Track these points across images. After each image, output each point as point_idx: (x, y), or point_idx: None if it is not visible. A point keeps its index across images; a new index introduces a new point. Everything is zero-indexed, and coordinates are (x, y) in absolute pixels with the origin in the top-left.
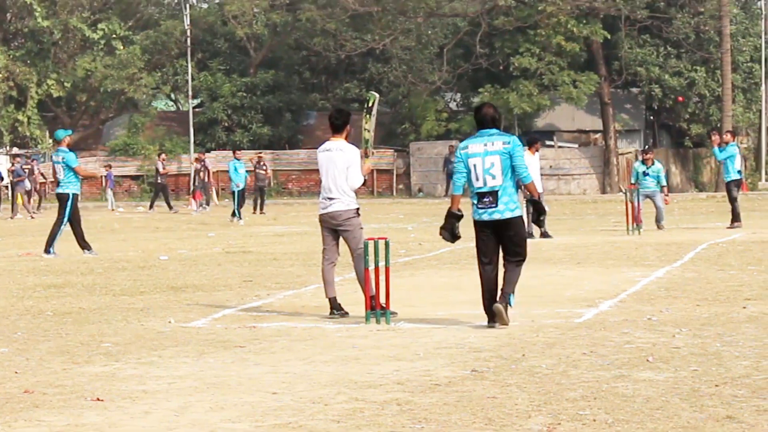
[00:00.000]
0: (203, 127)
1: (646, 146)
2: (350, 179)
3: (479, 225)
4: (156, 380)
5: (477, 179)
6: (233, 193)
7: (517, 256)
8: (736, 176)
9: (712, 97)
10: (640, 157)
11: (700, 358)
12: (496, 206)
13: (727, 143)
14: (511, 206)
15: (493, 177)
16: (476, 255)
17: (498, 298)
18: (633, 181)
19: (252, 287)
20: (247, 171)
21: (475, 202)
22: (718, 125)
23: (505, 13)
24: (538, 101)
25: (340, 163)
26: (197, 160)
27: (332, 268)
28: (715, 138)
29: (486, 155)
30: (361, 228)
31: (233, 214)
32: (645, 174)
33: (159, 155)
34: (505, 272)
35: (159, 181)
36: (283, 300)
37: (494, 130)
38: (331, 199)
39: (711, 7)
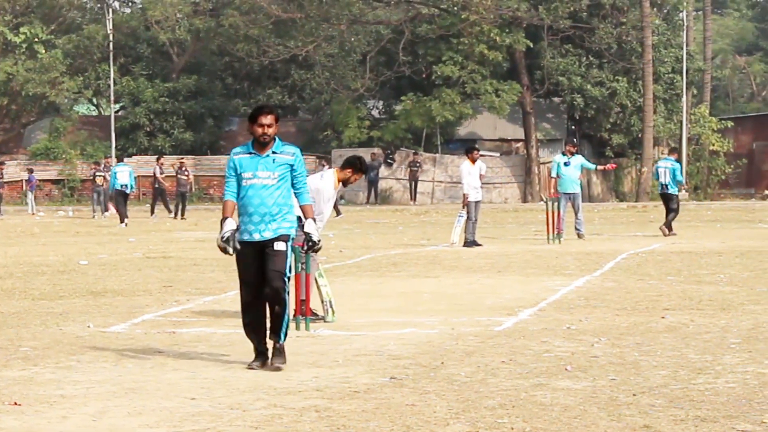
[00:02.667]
0: (125, 132)
1: (573, 139)
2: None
3: (244, 247)
4: (74, 385)
5: (248, 194)
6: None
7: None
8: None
9: (633, 108)
10: (562, 150)
11: (618, 367)
12: (276, 225)
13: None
14: (292, 222)
15: (271, 195)
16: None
17: (270, 337)
18: (554, 175)
19: (172, 293)
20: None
21: (246, 221)
22: (639, 135)
23: (428, 21)
24: (461, 110)
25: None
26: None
27: None
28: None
29: (263, 170)
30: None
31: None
32: (566, 164)
33: (158, 159)
34: (267, 287)
35: (157, 185)
36: (203, 305)
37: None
38: None
39: (633, 17)
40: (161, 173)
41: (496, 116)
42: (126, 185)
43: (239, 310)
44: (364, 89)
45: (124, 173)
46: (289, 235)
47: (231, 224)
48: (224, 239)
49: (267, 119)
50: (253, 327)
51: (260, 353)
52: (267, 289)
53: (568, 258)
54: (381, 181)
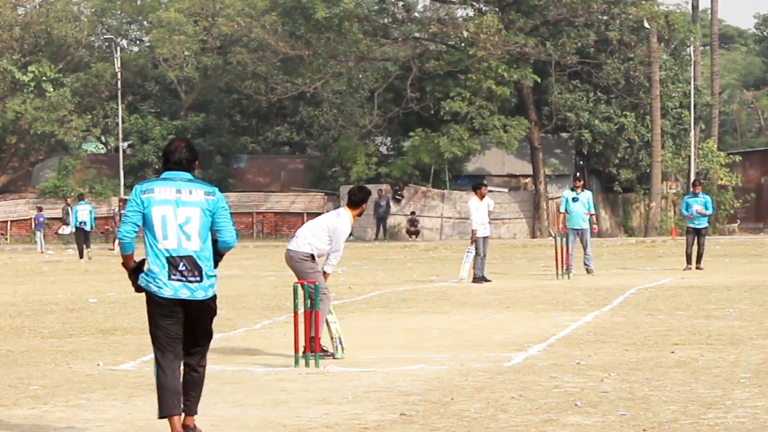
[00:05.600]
0: (133, 170)
1: (577, 173)
2: (321, 240)
3: (161, 304)
4: (84, 423)
5: (165, 236)
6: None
7: (201, 353)
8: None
9: (641, 143)
10: (570, 185)
11: (628, 402)
12: (200, 280)
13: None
14: (214, 280)
15: (189, 238)
16: (152, 344)
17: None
18: (562, 210)
19: None
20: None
21: (161, 269)
22: (647, 170)
23: (435, 57)
24: (469, 145)
25: (326, 222)
26: None
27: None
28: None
29: (180, 207)
30: (316, 271)
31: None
32: (575, 200)
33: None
34: (185, 374)
35: None
36: (212, 343)
37: (188, 175)
38: (296, 237)
39: (641, 53)
40: None
41: (504, 152)
42: (85, 222)
43: (249, 347)
44: (372, 126)
45: (84, 211)
46: None
47: None
48: None
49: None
50: None
51: None
52: None
53: (577, 293)
54: (389, 217)
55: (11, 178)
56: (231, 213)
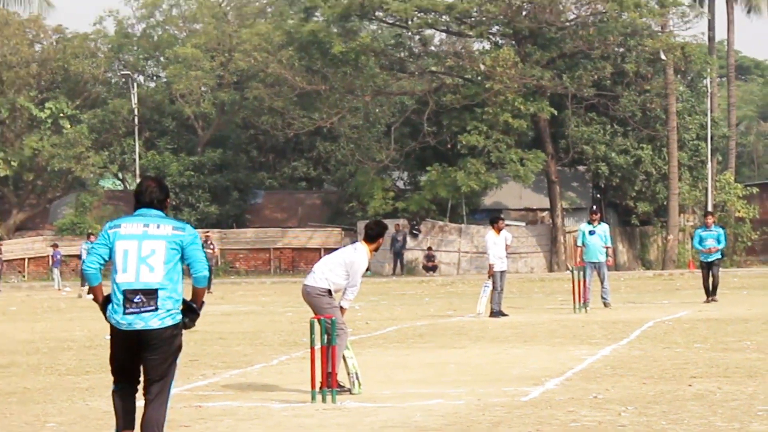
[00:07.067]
0: None
1: (594, 206)
2: (338, 275)
3: (118, 336)
4: None
5: (125, 270)
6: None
7: (159, 398)
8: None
9: (658, 175)
10: (587, 218)
11: None
12: (155, 310)
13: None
14: (174, 311)
15: (151, 269)
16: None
17: None
18: (579, 244)
19: (198, 366)
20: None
21: (118, 304)
22: (665, 203)
23: (452, 91)
24: (486, 179)
25: (343, 257)
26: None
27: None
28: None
29: (145, 240)
30: (333, 306)
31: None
32: (591, 233)
33: (206, 234)
34: (145, 406)
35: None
36: (229, 379)
37: (158, 212)
38: (313, 272)
39: (657, 85)
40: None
41: (522, 185)
42: None
43: (266, 382)
44: (388, 160)
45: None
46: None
47: None
48: None
49: None
50: None
51: None
52: None
53: (595, 327)
54: (406, 252)
55: (29, 215)
56: (248, 249)
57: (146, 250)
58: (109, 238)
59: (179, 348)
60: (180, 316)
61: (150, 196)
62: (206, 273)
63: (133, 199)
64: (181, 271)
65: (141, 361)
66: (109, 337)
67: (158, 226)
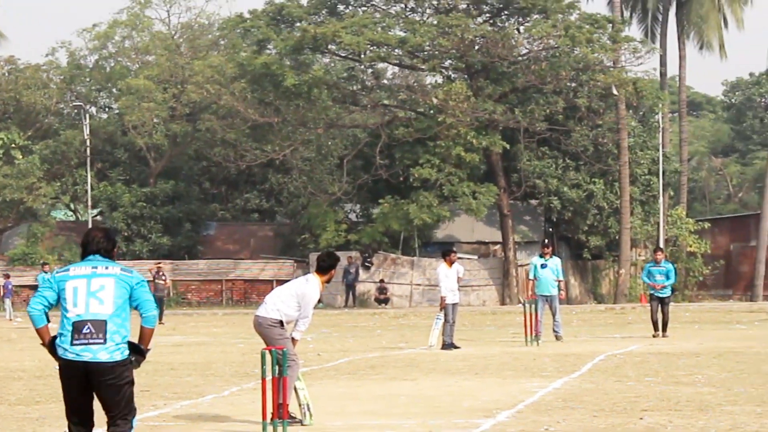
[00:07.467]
0: None
1: (546, 240)
2: (290, 306)
3: (66, 368)
4: None
5: (75, 305)
6: None
7: (123, 418)
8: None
9: (610, 209)
10: (539, 252)
11: None
12: (103, 342)
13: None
14: (122, 346)
15: (101, 302)
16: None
17: None
18: (531, 277)
19: (149, 397)
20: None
21: (66, 336)
22: (617, 237)
23: (404, 124)
24: (438, 212)
25: (295, 288)
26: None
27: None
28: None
29: (94, 277)
30: (285, 338)
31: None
32: (543, 266)
33: (158, 264)
34: None
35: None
36: (180, 410)
37: (105, 259)
38: (265, 303)
39: (609, 119)
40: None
41: (474, 219)
42: None
43: (217, 413)
44: (341, 193)
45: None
46: None
47: None
48: None
49: None
50: None
51: None
52: None
53: (546, 360)
54: (359, 284)
55: None
56: (200, 281)
57: (95, 285)
58: (56, 280)
59: (131, 383)
60: (128, 352)
61: (97, 246)
62: (155, 313)
63: (80, 248)
64: (129, 312)
65: (92, 399)
66: (58, 368)
67: (106, 267)
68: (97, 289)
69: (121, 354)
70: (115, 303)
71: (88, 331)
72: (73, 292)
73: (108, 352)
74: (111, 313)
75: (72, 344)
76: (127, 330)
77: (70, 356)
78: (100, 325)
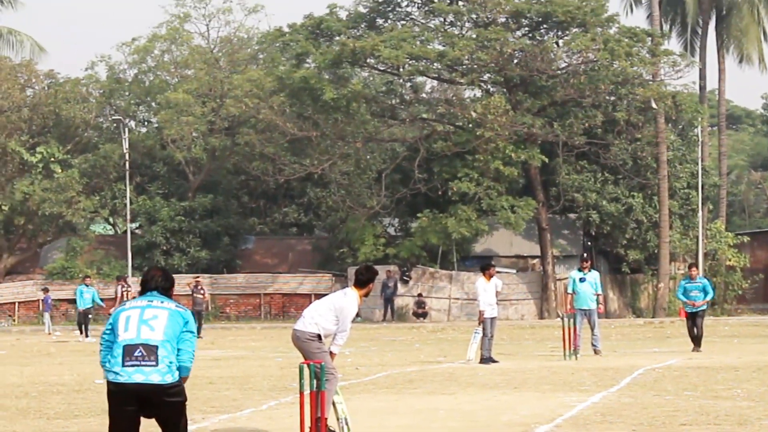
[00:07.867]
0: (141, 251)
1: (584, 254)
2: (328, 320)
3: (116, 392)
4: None
5: (126, 330)
6: (79, 313)
7: None
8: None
9: (649, 224)
10: (577, 266)
11: None
12: (156, 364)
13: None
14: (174, 369)
15: (152, 329)
16: None
17: None
18: (570, 291)
19: (187, 411)
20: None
21: (116, 358)
22: (655, 251)
23: (443, 138)
24: (477, 226)
25: (333, 302)
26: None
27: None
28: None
29: (148, 308)
30: (323, 351)
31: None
32: (582, 280)
33: (196, 278)
34: None
35: (195, 307)
36: (218, 424)
37: (163, 296)
38: (302, 317)
39: (648, 133)
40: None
41: (512, 232)
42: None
43: (255, 428)
44: (379, 207)
45: (88, 294)
46: None
47: None
48: None
49: None
50: None
51: None
52: None
53: (585, 374)
54: (397, 298)
55: (19, 260)
56: (238, 294)
57: (148, 314)
58: (112, 318)
59: (185, 401)
60: (179, 374)
61: (155, 284)
62: (190, 365)
63: (140, 286)
64: (177, 345)
65: (138, 427)
66: (100, 381)
67: (162, 302)
68: (149, 318)
69: (172, 377)
70: (166, 332)
71: (140, 354)
72: (125, 320)
73: (160, 374)
74: (163, 338)
75: (123, 366)
76: (176, 354)
77: (122, 379)
78: (152, 349)
